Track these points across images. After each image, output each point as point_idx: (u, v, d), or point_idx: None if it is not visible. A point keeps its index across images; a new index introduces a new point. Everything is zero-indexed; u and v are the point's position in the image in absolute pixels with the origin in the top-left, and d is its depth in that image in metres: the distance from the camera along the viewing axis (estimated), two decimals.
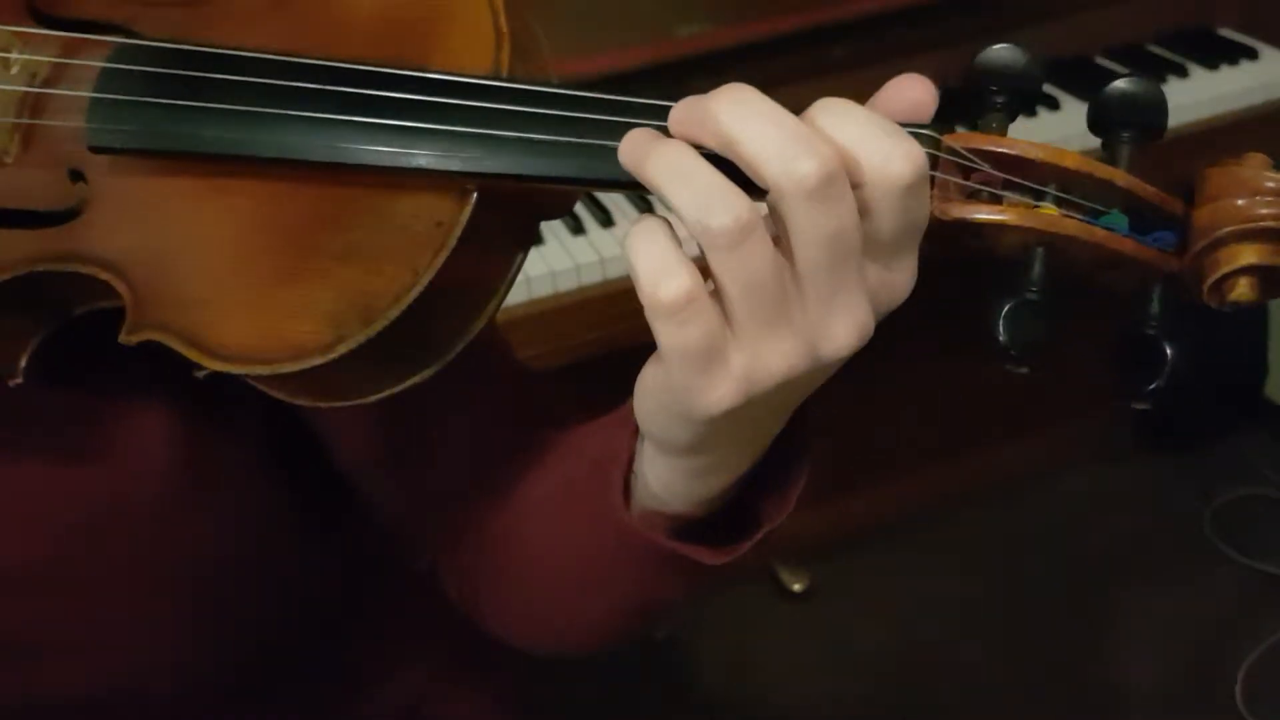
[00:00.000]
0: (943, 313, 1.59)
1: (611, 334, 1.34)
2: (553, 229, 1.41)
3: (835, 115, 0.40)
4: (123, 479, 0.60)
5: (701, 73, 1.44)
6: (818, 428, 0.52)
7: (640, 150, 0.41)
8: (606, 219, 1.41)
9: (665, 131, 0.43)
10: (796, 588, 1.88)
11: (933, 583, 1.90)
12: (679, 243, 0.40)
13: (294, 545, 0.70)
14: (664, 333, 0.40)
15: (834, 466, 1.86)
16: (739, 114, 0.40)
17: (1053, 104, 1.53)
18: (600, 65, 1.40)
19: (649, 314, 0.40)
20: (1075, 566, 1.91)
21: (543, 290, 1.35)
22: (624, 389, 0.59)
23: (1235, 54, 1.63)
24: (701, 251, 0.40)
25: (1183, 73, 1.60)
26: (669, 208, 0.40)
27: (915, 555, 1.93)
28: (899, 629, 1.83)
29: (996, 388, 1.95)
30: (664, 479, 0.51)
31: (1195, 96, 1.56)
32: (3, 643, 0.61)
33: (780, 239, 0.40)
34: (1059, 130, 1.48)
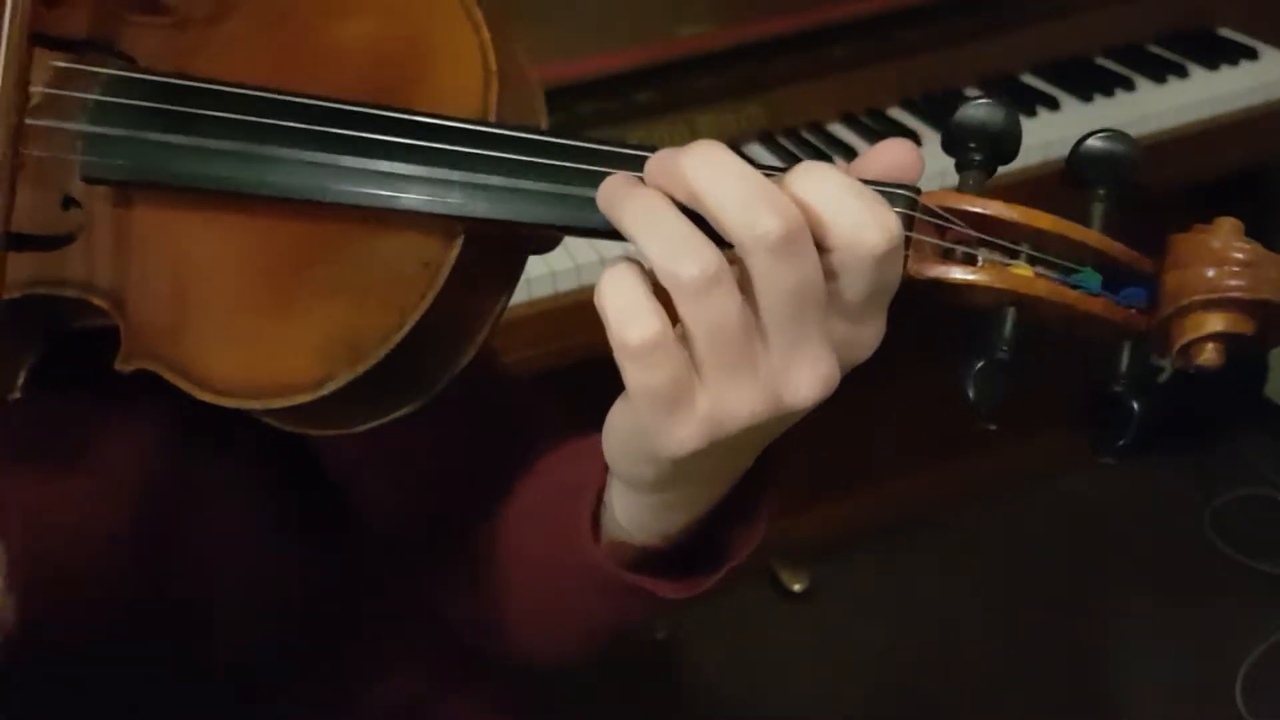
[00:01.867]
0: (943, 314, 1.60)
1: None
2: None
3: (811, 179, 0.41)
4: (118, 488, 0.60)
5: (702, 73, 1.44)
6: (784, 461, 0.52)
7: (616, 196, 0.42)
8: None
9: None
10: (796, 588, 1.88)
11: (933, 583, 1.90)
12: (650, 288, 0.41)
13: (293, 553, 0.70)
14: (631, 374, 0.42)
15: (834, 467, 1.86)
16: (706, 171, 0.41)
17: (1052, 104, 1.53)
18: (600, 66, 1.40)
19: (617, 356, 0.41)
20: (1075, 566, 1.91)
21: (543, 290, 1.35)
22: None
23: (1235, 54, 1.63)
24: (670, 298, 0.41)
25: (1183, 73, 1.59)
26: (641, 253, 0.41)
27: (915, 555, 1.93)
28: (899, 629, 1.83)
29: None
30: (630, 513, 0.52)
31: (1195, 96, 1.56)
32: None
33: (745, 289, 0.41)
34: (1058, 131, 1.48)
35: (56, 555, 0.59)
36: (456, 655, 0.84)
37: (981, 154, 0.47)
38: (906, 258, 0.43)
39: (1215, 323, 0.45)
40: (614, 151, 0.46)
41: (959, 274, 0.44)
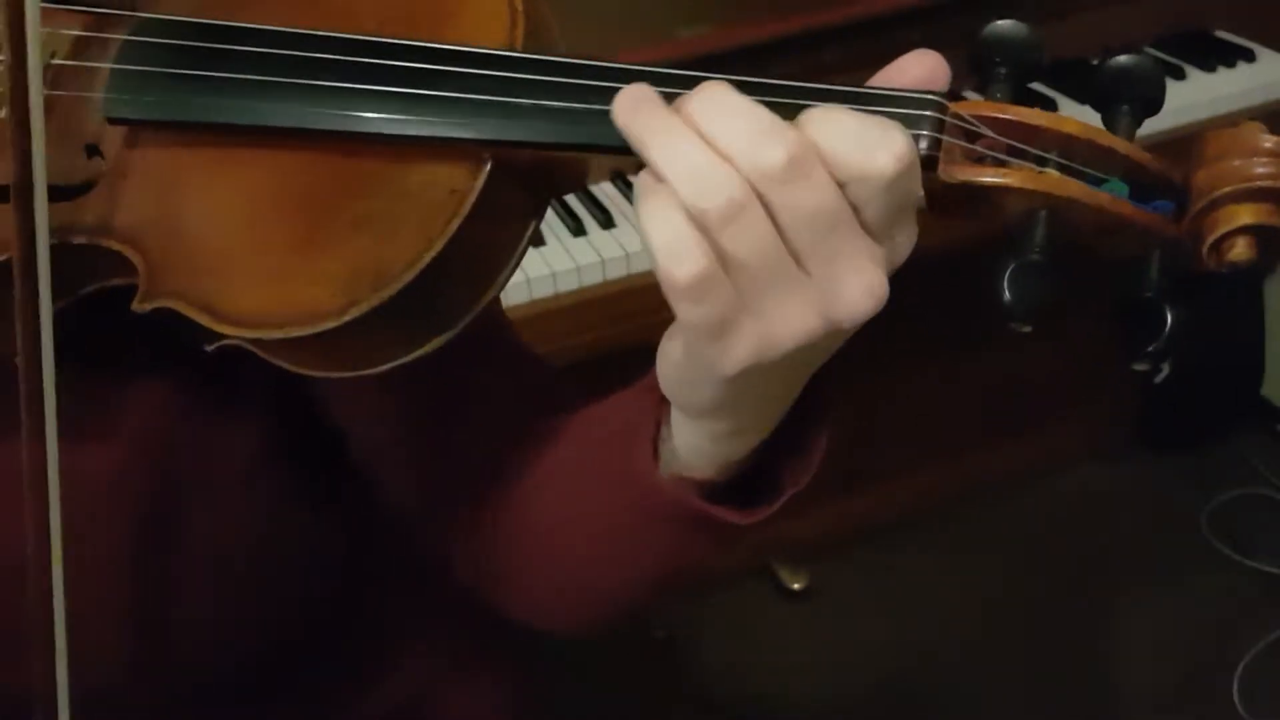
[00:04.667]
0: (943, 312, 1.60)
1: (612, 334, 1.34)
2: (553, 230, 1.41)
3: (815, 120, 0.41)
4: (125, 458, 0.60)
5: (702, 73, 1.44)
6: (837, 395, 0.53)
7: (627, 115, 0.43)
8: (607, 220, 1.41)
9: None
10: (796, 587, 1.88)
11: (933, 582, 1.90)
12: (689, 216, 0.41)
13: (297, 537, 0.70)
14: (681, 309, 0.42)
15: (834, 466, 1.86)
16: (712, 112, 0.41)
17: (1051, 105, 1.54)
18: None
19: (665, 291, 0.42)
20: (1075, 566, 1.91)
21: (543, 291, 1.36)
22: (626, 386, 0.59)
23: (1232, 56, 1.63)
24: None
25: (1180, 75, 1.60)
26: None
27: (915, 555, 1.94)
28: (899, 628, 1.84)
29: (997, 388, 1.95)
30: (691, 442, 0.52)
31: (1193, 98, 1.56)
32: (4, 631, 0.61)
33: (774, 219, 0.42)
34: None
35: (70, 536, 0.59)
36: (458, 653, 0.84)
37: (1006, 68, 0.47)
38: (936, 161, 0.44)
39: (1246, 214, 0.44)
40: (639, 70, 0.46)
41: (991, 177, 0.44)
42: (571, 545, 0.62)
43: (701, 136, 0.41)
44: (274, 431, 0.65)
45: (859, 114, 0.42)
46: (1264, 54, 1.64)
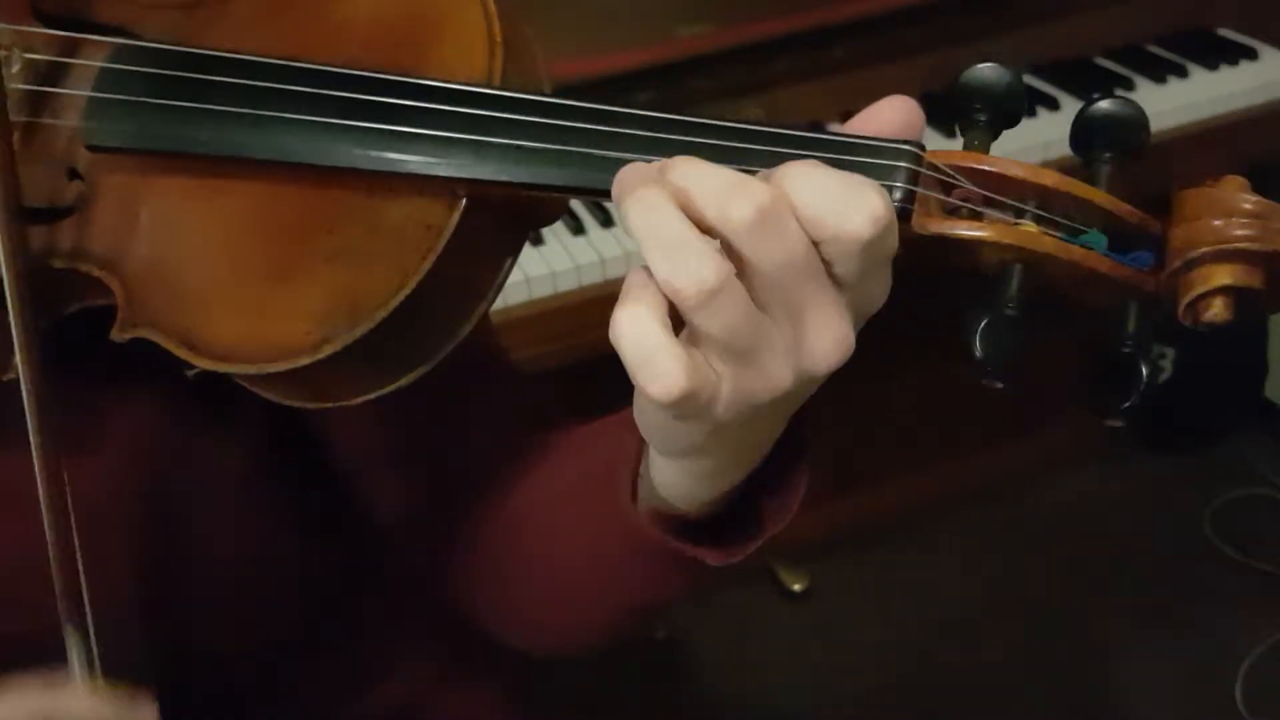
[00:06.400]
0: (942, 313, 1.60)
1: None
2: (553, 229, 1.40)
3: (789, 178, 0.41)
4: (117, 471, 0.60)
5: (702, 73, 1.45)
6: (817, 430, 0.53)
7: (620, 192, 0.42)
8: (606, 219, 1.41)
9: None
10: (796, 588, 1.88)
11: (933, 582, 1.90)
12: (669, 331, 0.41)
13: (292, 545, 0.70)
14: (660, 411, 0.42)
15: (834, 466, 1.86)
16: (683, 175, 0.41)
17: (1052, 104, 1.54)
18: (601, 66, 1.40)
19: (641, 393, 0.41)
20: (1075, 566, 1.91)
21: (543, 290, 1.35)
22: (625, 389, 0.59)
23: (1235, 54, 1.63)
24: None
25: (1182, 73, 1.60)
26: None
27: (915, 555, 1.93)
28: (899, 629, 1.83)
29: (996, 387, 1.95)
30: (669, 480, 0.52)
31: (1195, 97, 1.56)
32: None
33: (743, 275, 0.41)
34: (1058, 130, 1.48)
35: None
36: (456, 655, 0.84)
37: (985, 115, 0.47)
38: (911, 213, 0.43)
39: (1223, 275, 0.44)
40: (615, 112, 0.46)
41: (965, 230, 0.44)
42: (555, 569, 0.63)
43: (682, 203, 0.41)
44: (265, 444, 0.64)
45: (835, 172, 0.41)
46: (1267, 52, 1.64)
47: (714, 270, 0.40)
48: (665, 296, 0.41)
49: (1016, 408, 1.98)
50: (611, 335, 0.41)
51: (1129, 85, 1.57)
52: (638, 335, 0.40)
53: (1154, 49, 1.65)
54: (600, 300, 1.36)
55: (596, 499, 0.56)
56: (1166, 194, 0.46)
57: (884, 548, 1.93)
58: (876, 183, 0.41)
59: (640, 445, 0.54)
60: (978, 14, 1.56)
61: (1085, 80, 1.58)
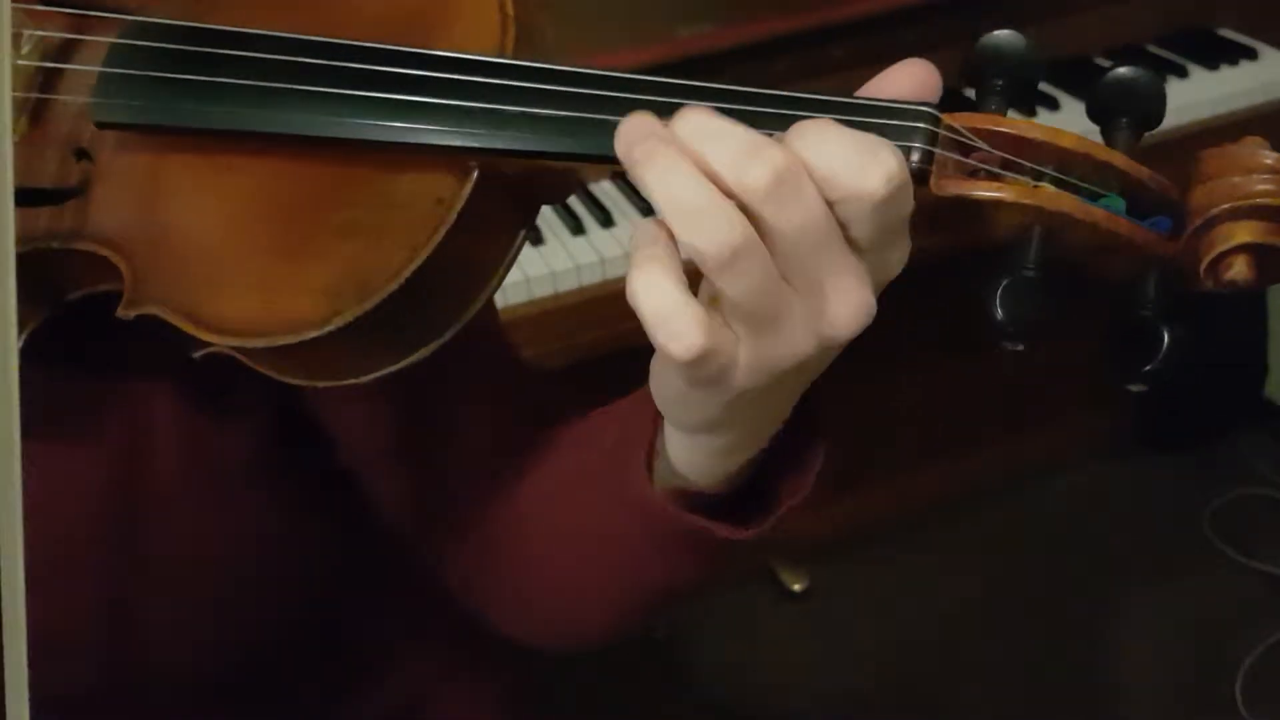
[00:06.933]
0: (943, 313, 1.60)
1: (612, 334, 1.34)
2: (553, 229, 1.41)
3: (804, 136, 0.41)
4: (126, 465, 0.60)
5: (702, 73, 1.44)
6: (833, 408, 0.53)
7: (628, 145, 0.42)
8: (606, 219, 1.41)
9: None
10: (796, 588, 1.88)
11: (933, 582, 1.90)
12: (684, 285, 0.40)
13: (296, 541, 0.70)
14: (678, 373, 0.42)
15: (834, 467, 1.86)
16: (697, 136, 0.41)
17: (1052, 104, 1.54)
18: (601, 66, 1.39)
19: (660, 353, 0.41)
20: (1075, 566, 1.91)
21: (543, 290, 1.35)
22: (625, 389, 0.59)
23: (1235, 54, 1.63)
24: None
25: (1183, 73, 1.60)
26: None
27: (915, 555, 1.93)
28: (899, 629, 1.83)
29: (996, 387, 1.95)
30: (686, 457, 0.52)
31: (1195, 97, 1.56)
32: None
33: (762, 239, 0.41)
34: None
35: (58, 536, 0.59)
36: (456, 654, 0.84)
37: (1003, 79, 0.46)
38: (929, 174, 0.43)
39: (1244, 232, 0.43)
40: (628, 78, 0.46)
41: (984, 191, 0.43)
42: (564, 561, 0.62)
43: (695, 162, 0.40)
44: (267, 440, 0.64)
45: (850, 131, 0.41)
46: (1267, 52, 1.64)
47: (739, 232, 0.39)
48: (680, 254, 0.40)
49: (1016, 407, 1.98)
50: (629, 294, 0.40)
51: None
52: (656, 295, 0.40)
53: (1154, 49, 1.65)
54: (600, 300, 1.36)
55: (610, 481, 0.56)
56: (1186, 176, 0.45)
57: (884, 548, 1.93)
58: (890, 142, 0.41)
59: (654, 425, 0.53)
60: (977, 14, 1.55)
61: (1085, 80, 1.58)
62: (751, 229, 0.40)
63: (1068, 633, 1.82)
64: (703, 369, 0.41)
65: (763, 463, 0.53)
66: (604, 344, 1.35)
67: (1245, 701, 1.68)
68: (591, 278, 1.36)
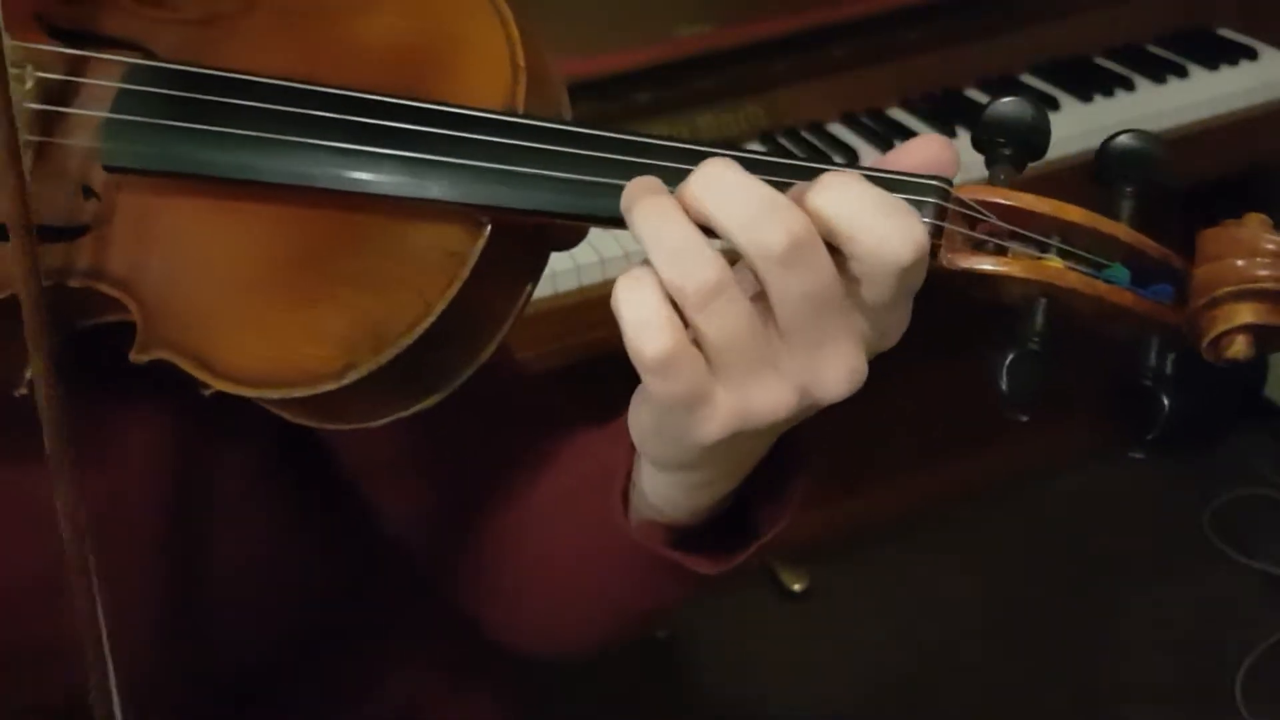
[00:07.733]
0: (944, 313, 1.60)
1: (612, 334, 1.32)
2: None
3: (833, 192, 0.41)
4: (127, 481, 0.60)
5: (702, 73, 1.44)
6: (815, 440, 0.53)
7: (631, 199, 0.43)
8: None
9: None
10: (796, 588, 1.88)
11: (933, 582, 1.90)
12: (665, 294, 0.41)
13: (297, 549, 0.70)
14: (650, 384, 0.42)
15: (834, 467, 1.86)
16: (711, 191, 0.41)
17: (1052, 104, 1.53)
18: (601, 66, 1.39)
19: (635, 363, 0.42)
20: (1075, 566, 1.91)
21: (543, 290, 1.35)
22: (625, 389, 0.59)
23: (1235, 54, 1.62)
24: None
25: (1182, 73, 1.60)
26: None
27: (915, 555, 1.93)
28: (899, 629, 1.83)
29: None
30: (661, 492, 0.52)
31: (1195, 97, 1.56)
32: (15, 650, 0.61)
33: (761, 294, 0.41)
34: (1058, 130, 1.47)
35: (59, 555, 0.59)
36: (458, 658, 0.84)
37: (1011, 149, 0.47)
38: (938, 248, 0.43)
39: (1246, 314, 0.45)
40: (643, 142, 0.46)
41: (991, 265, 0.44)
42: (552, 575, 0.63)
43: (699, 216, 0.41)
44: (273, 454, 0.64)
45: (878, 190, 0.41)
46: (1267, 52, 1.64)
47: (718, 269, 0.40)
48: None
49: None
50: (612, 301, 0.41)
51: (1129, 85, 1.57)
52: (636, 301, 0.41)
53: (1154, 49, 1.65)
54: (600, 300, 1.35)
55: (590, 508, 0.56)
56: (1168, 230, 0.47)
57: (884, 548, 1.93)
58: (914, 209, 0.41)
59: (630, 458, 0.54)
60: (977, 14, 1.56)
61: (1085, 80, 1.58)
62: (729, 270, 0.40)
63: (1068, 633, 1.82)
64: (671, 382, 0.41)
65: (743, 493, 0.53)
66: (604, 344, 1.35)
67: (1245, 701, 1.68)
68: (591, 278, 1.36)
